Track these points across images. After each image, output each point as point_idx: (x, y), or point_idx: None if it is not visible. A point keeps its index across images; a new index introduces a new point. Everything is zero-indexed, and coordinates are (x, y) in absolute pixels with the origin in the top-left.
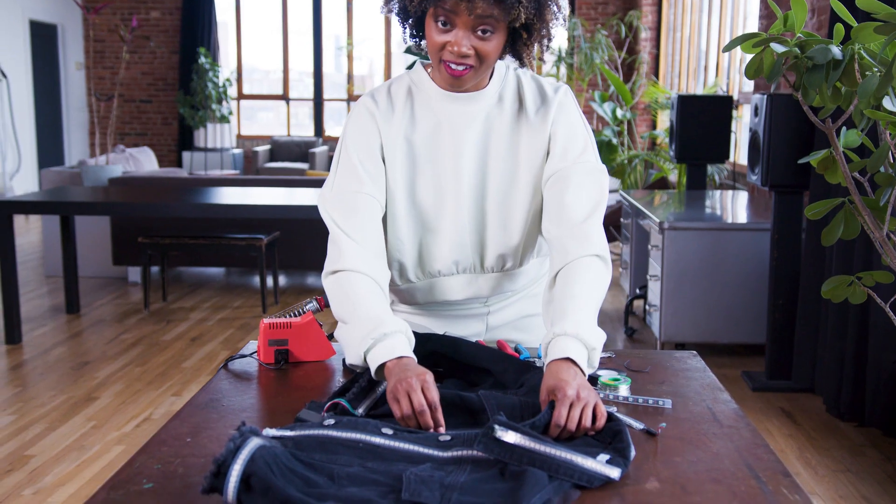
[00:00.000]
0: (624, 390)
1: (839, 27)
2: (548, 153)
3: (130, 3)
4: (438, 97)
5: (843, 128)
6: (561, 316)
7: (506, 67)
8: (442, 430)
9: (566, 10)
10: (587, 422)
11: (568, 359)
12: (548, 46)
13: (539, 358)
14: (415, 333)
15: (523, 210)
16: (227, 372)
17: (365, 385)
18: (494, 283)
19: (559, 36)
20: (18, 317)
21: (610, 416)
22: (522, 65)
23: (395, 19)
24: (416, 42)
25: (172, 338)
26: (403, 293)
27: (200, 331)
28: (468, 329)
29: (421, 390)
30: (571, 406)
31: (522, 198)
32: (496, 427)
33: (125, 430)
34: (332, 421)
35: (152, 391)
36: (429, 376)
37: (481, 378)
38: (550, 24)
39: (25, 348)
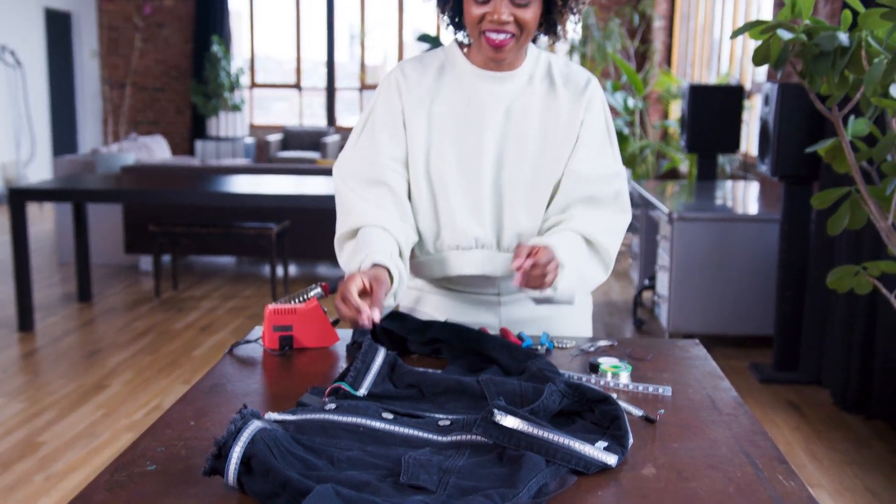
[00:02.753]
0: (625, 377)
1: (847, 14)
2: (574, 144)
3: None
4: (470, 74)
5: (852, 116)
6: (546, 236)
7: (537, 52)
8: (377, 314)
9: None
10: (547, 273)
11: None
12: (578, 19)
13: (543, 345)
14: (417, 320)
15: (545, 192)
16: (231, 357)
17: (360, 366)
18: (508, 265)
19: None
20: (31, 305)
21: (608, 401)
22: (556, 36)
23: (433, 7)
24: (456, 29)
25: (183, 327)
26: (419, 266)
27: (210, 320)
28: (481, 319)
29: (360, 278)
30: (534, 265)
31: (545, 181)
32: (495, 411)
33: (135, 417)
34: (332, 405)
35: (162, 379)
36: (375, 272)
37: (483, 365)
38: None
39: (38, 336)
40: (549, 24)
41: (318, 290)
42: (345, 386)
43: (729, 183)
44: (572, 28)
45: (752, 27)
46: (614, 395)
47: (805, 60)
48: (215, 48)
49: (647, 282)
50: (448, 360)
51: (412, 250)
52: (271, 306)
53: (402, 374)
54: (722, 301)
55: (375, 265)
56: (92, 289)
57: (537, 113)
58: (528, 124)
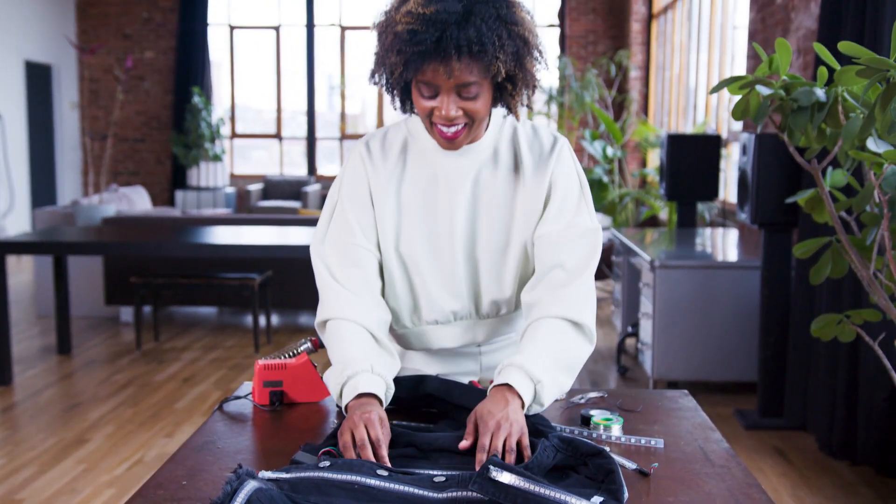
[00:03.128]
0: (616, 430)
1: (822, 70)
2: (544, 209)
3: (125, 43)
4: (433, 149)
5: (829, 168)
6: (516, 352)
7: (502, 117)
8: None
9: (547, 53)
10: (510, 445)
11: (506, 385)
12: (533, 92)
13: None
14: (408, 377)
15: (516, 263)
16: (221, 413)
17: None
18: (490, 329)
19: (550, 75)
20: (9, 358)
21: (602, 454)
22: (512, 113)
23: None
24: (407, 112)
25: (164, 378)
26: (398, 338)
27: (192, 371)
28: (461, 367)
29: (364, 427)
30: (492, 436)
31: (516, 251)
32: (491, 467)
33: (116, 472)
34: (327, 462)
35: (144, 433)
36: (374, 415)
37: None
38: (533, 72)
39: (16, 390)
40: (503, 104)
41: (308, 344)
42: (335, 450)
43: (708, 230)
44: (527, 101)
45: (731, 83)
46: (607, 448)
47: (784, 114)
48: (196, 99)
49: (630, 329)
50: (440, 415)
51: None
52: (261, 361)
53: (397, 433)
54: (706, 348)
55: (361, 395)
56: (72, 341)
57: (504, 181)
58: (496, 194)
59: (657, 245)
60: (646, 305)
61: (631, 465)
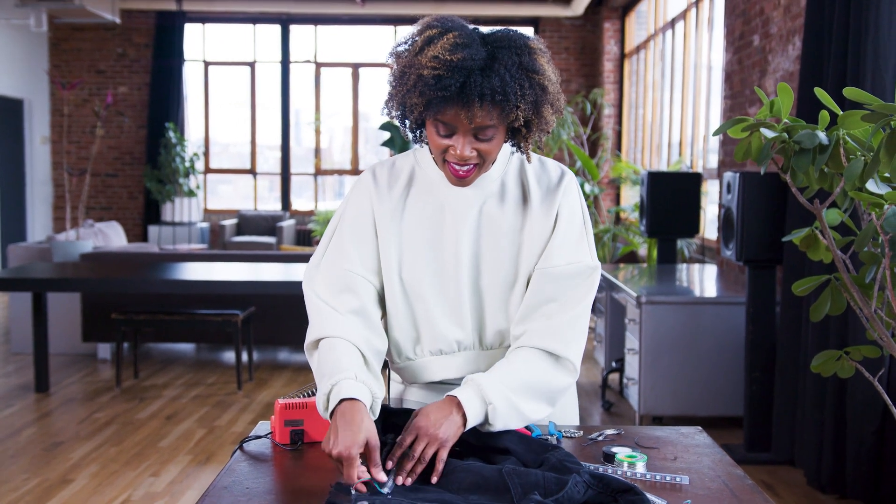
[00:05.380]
0: (641, 467)
1: (824, 114)
2: (549, 239)
3: (99, 78)
4: (440, 179)
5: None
6: (488, 371)
7: (509, 151)
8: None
9: (563, 101)
10: (426, 456)
11: (453, 398)
12: (547, 135)
13: (552, 435)
14: (407, 409)
15: (520, 295)
16: (243, 453)
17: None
18: (493, 361)
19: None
20: None
21: (633, 491)
22: (523, 153)
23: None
24: (417, 140)
25: (147, 416)
26: (400, 371)
27: (175, 408)
28: None
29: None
30: (416, 438)
31: (523, 283)
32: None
33: None
34: (365, 501)
35: (129, 472)
36: (361, 436)
37: (499, 458)
38: (549, 118)
39: None
40: (514, 144)
41: None
42: (375, 484)
43: (688, 266)
44: (539, 144)
45: (733, 125)
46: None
47: (786, 156)
48: (170, 134)
49: (614, 364)
50: (463, 454)
51: (391, 356)
52: (281, 401)
53: (427, 467)
54: (692, 383)
55: (344, 400)
56: (49, 379)
57: (511, 213)
58: (502, 226)
59: (638, 281)
60: (631, 341)
61: (661, 503)
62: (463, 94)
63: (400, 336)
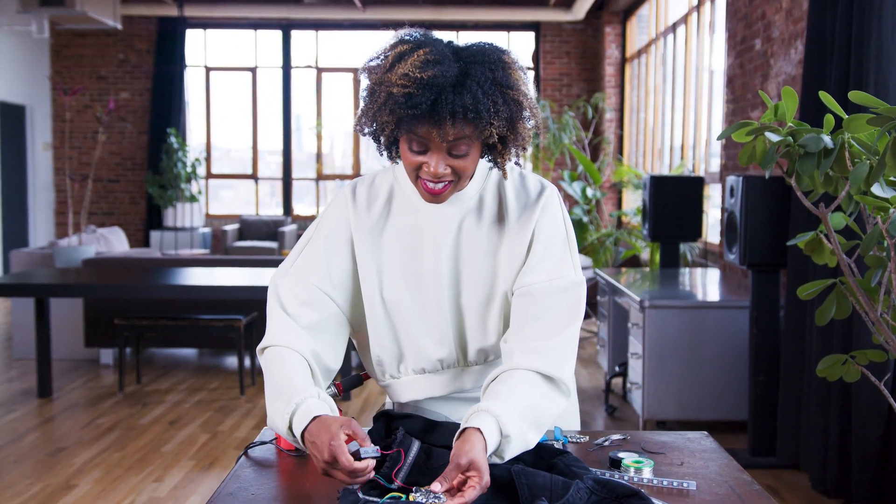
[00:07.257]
0: (647, 472)
1: (829, 118)
2: (525, 259)
3: (101, 84)
4: (418, 197)
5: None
6: (494, 396)
7: (487, 167)
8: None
9: (539, 115)
10: (471, 497)
11: (478, 430)
12: (524, 151)
13: (558, 440)
14: (429, 420)
15: (499, 313)
16: (248, 459)
17: (396, 455)
18: (477, 377)
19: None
20: None
21: (639, 496)
22: (500, 170)
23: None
24: (391, 157)
25: (150, 421)
26: (388, 389)
27: (178, 414)
28: (458, 413)
29: (328, 450)
30: (473, 470)
31: (499, 302)
32: None
33: None
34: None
35: (133, 477)
36: (336, 440)
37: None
38: (525, 134)
39: None
40: (491, 160)
41: (333, 388)
42: (381, 480)
43: (691, 270)
44: (516, 160)
45: (738, 129)
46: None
47: (791, 160)
48: (172, 139)
49: (617, 368)
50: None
51: (376, 374)
52: None
53: (440, 465)
54: (695, 387)
55: (316, 417)
56: (52, 384)
57: (488, 231)
58: (480, 244)
59: (642, 285)
60: (635, 345)
61: None
62: (434, 112)
63: (383, 354)
